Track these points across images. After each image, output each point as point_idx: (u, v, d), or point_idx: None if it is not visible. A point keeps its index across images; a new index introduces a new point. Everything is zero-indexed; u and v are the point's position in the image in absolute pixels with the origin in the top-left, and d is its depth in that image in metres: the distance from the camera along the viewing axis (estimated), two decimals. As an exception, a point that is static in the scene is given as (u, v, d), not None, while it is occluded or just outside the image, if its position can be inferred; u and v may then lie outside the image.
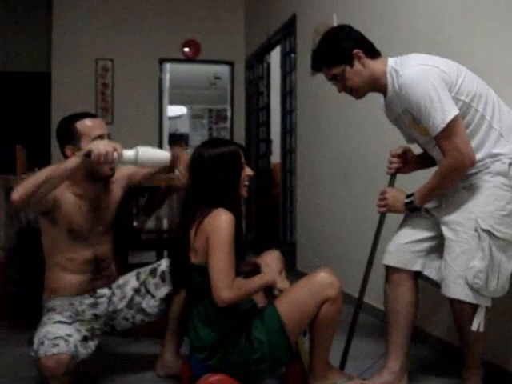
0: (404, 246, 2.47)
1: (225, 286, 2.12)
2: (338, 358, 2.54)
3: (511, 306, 2.47)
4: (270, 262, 2.52)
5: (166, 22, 7.45)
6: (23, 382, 2.64)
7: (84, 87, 7.24)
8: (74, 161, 2.31)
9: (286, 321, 2.19)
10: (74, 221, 2.51)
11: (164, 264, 2.66)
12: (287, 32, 5.72)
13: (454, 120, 2.19)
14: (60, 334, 2.30)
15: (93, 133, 2.49)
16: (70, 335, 2.33)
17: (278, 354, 2.22)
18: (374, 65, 2.40)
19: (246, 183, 2.33)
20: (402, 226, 2.55)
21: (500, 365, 2.61)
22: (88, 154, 2.27)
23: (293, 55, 5.59)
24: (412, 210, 2.42)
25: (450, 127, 2.19)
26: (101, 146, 2.27)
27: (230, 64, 7.75)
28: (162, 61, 7.55)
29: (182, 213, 2.38)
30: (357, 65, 2.38)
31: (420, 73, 2.24)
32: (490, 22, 2.67)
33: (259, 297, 2.42)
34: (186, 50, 7.57)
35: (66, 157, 2.54)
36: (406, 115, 2.37)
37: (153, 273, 2.67)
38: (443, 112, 2.18)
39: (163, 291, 2.63)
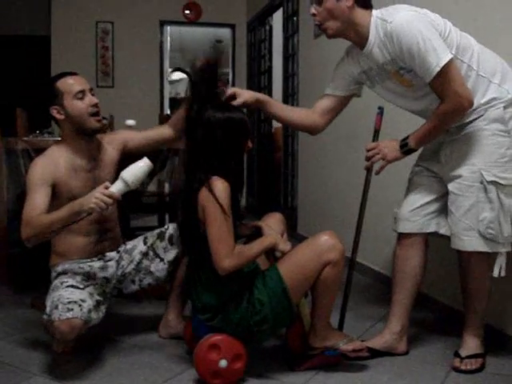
0: (416, 210, 2.46)
1: (224, 255, 2.13)
2: (336, 319, 2.56)
3: (510, 270, 2.48)
4: (272, 224, 2.52)
5: (167, -16, 7.36)
6: (26, 344, 2.66)
7: (84, 50, 7.18)
8: (75, 216, 2.25)
9: (287, 283, 2.20)
10: (73, 188, 2.50)
11: (171, 228, 2.67)
12: (290, -6, 5.64)
13: (449, 63, 2.15)
14: (74, 299, 2.31)
15: (74, 89, 2.50)
16: (83, 300, 2.34)
17: (279, 316, 2.24)
18: (360, 14, 2.30)
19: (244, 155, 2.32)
20: (409, 190, 2.55)
21: (498, 328, 2.63)
22: (90, 213, 2.24)
23: (295, 18, 5.52)
24: (408, 153, 2.38)
25: (445, 71, 2.15)
26: (98, 202, 2.18)
27: (232, 27, 7.67)
28: (162, 23, 7.47)
29: (185, 180, 2.34)
30: (343, 1, 2.27)
31: (410, 18, 2.20)
32: None
33: (261, 259, 2.43)
34: (187, 12, 7.49)
35: (53, 118, 2.56)
36: (389, 66, 2.31)
37: (160, 236, 2.68)
38: (437, 55, 2.14)
39: (172, 254, 2.65)
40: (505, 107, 2.26)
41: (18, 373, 2.34)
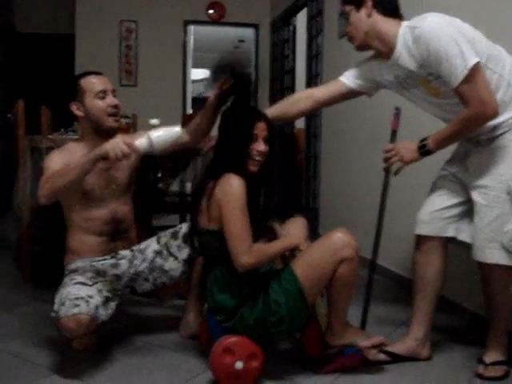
0: (436, 213, 2.44)
1: (242, 251, 2.13)
2: (357, 323, 2.55)
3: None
4: (295, 228, 2.48)
5: (191, -17, 7.37)
6: (47, 340, 2.67)
7: (108, 49, 7.22)
8: (90, 162, 2.27)
9: (303, 282, 2.19)
10: (86, 184, 2.49)
11: (185, 227, 2.67)
12: (314, -6, 5.61)
13: (476, 66, 2.12)
14: (81, 295, 2.32)
15: (96, 88, 2.53)
16: (91, 296, 2.34)
17: (296, 316, 2.23)
18: (382, 21, 2.34)
19: (257, 158, 2.27)
20: (431, 192, 2.52)
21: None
22: (105, 157, 2.25)
23: (319, 18, 5.49)
24: (425, 154, 2.34)
25: (472, 74, 2.11)
26: (115, 146, 2.23)
27: (255, 27, 7.65)
28: (186, 23, 7.47)
29: (201, 177, 2.39)
30: (362, 12, 2.35)
31: (439, 22, 2.19)
32: None
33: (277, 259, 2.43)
34: (211, 12, 7.49)
35: (72, 113, 2.57)
36: (417, 73, 2.29)
37: (174, 236, 2.67)
38: (464, 59, 2.11)
39: (185, 253, 2.64)
40: None
41: (38, 370, 2.36)
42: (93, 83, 2.54)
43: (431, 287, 2.46)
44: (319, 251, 2.24)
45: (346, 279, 2.23)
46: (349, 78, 2.61)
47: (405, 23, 2.33)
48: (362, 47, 2.45)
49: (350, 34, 2.43)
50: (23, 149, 3.48)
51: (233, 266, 2.17)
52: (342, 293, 2.27)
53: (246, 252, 2.13)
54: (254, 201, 2.30)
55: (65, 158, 2.48)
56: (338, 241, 2.22)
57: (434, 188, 2.52)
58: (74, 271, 2.51)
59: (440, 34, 2.15)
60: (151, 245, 2.67)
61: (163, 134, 2.38)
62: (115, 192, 2.62)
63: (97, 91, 2.52)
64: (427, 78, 2.27)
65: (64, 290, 2.39)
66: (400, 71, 2.37)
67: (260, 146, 2.26)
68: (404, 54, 2.29)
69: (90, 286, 2.43)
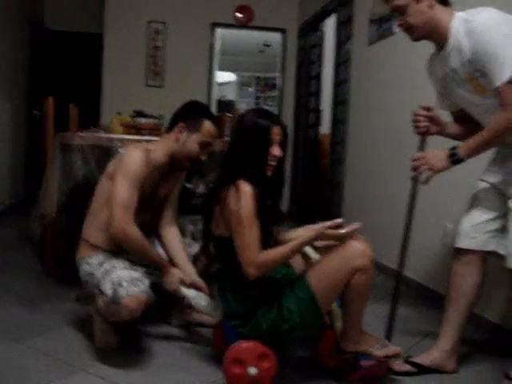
0: (477, 226, 2.38)
1: (249, 261, 2.12)
2: (382, 334, 2.54)
3: None
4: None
5: (220, -14, 7.37)
6: (71, 337, 2.68)
7: (135, 49, 7.23)
8: (153, 264, 2.55)
9: (316, 290, 2.17)
10: (146, 188, 2.58)
11: (190, 226, 2.74)
12: (344, 0, 5.58)
13: None
14: (136, 276, 2.40)
15: (206, 139, 2.65)
16: (143, 278, 2.43)
17: (308, 324, 2.21)
18: (440, 11, 2.25)
19: (272, 163, 2.25)
20: (472, 205, 2.46)
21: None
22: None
23: (349, 24, 5.46)
24: (456, 163, 2.27)
25: None
26: (171, 285, 2.54)
27: (283, 31, 7.63)
28: (214, 25, 7.48)
29: (214, 182, 2.39)
30: (423, 3, 2.23)
31: (495, 19, 2.11)
32: None
33: (298, 263, 2.41)
34: (239, 15, 7.48)
35: (173, 125, 2.68)
36: (464, 68, 2.23)
37: (183, 234, 2.81)
38: None
39: (194, 249, 2.76)
40: None
41: (63, 367, 2.36)
42: (209, 133, 2.66)
43: (465, 299, 2.41)
44: (334, 260, 2.21)
45: (360, 288, 2.20)
46: (443, 107, 2.55)
47: (458, 14, 2.24)
48: (419, 38, 2.33)
49: (408, 26, 2.29)
50: (52, 146, 3.50)
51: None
52: (356, 302, 2.24)
53: (253, 262, 2.12)
54: (268, 204, 2.27)
55: (145, 166, 2.54)
56: (353, 250, 2.19)
57: (474, 200, 2.46)
58: (107, 260, 2.52)
59: (494, 31, 2.08)
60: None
61: (204, 303, 2.54)
62: (161, 199, 2.74)
63: (205, 141, 2.64)
64: (474, 75, 2.21)
65: (112, 275, 2.41)
66: (448, 68, 2.31)
67: (275, 151, 2.24)
68: (455, 48, 2.23)
69: (135, 270, 2.49)
